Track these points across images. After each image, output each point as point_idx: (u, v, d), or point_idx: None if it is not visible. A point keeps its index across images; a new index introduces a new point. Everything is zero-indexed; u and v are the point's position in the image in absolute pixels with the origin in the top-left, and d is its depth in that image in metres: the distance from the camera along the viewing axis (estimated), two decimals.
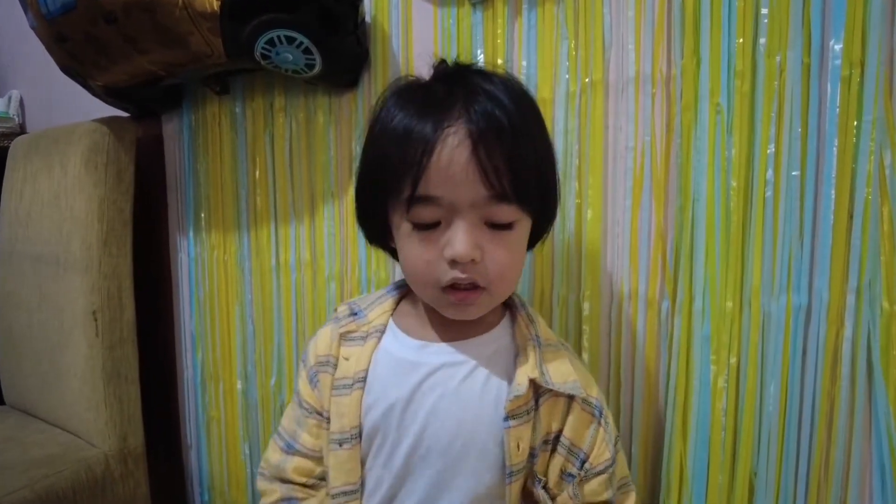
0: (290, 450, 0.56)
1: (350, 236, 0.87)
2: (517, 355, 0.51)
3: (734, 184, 0.60)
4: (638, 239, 0.65)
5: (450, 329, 0.53)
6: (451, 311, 0.50)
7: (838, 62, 0.55)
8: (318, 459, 0.55)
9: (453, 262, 0.46)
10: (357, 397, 0.52)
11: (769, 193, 0.59)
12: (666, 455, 0.65)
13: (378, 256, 0.84)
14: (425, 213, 0.46)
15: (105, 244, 1.00)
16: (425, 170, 0.44)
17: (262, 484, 0.58)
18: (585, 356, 0.68)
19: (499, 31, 0.72)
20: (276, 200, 0.95)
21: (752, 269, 0.60)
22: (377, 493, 0.52)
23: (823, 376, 0.58)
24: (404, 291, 0.59)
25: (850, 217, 0.56)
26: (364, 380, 0.53)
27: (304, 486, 0.56)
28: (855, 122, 0.55)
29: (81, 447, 1.01)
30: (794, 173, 0.58)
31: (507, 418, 0.48)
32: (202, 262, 1.06)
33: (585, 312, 0.68)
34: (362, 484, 0.52)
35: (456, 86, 0.47)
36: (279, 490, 0.55)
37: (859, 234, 0.56)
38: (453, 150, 0.44)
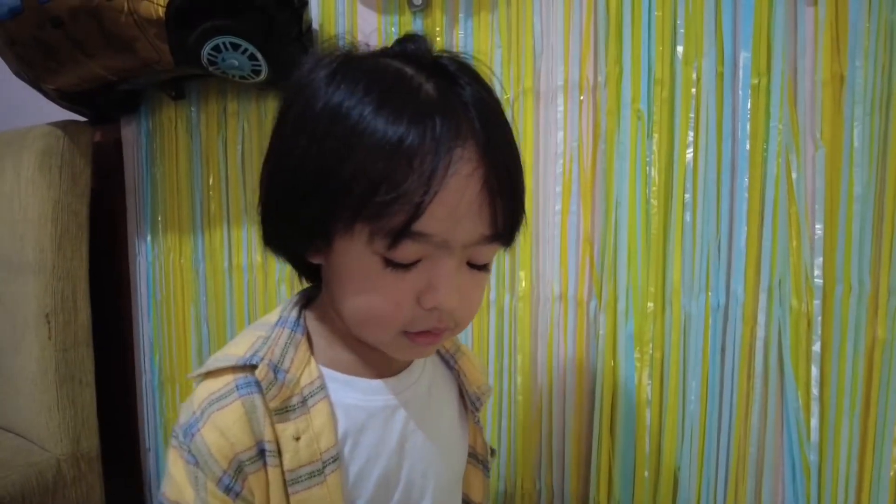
0: None
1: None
2: (449, 367, 0.50)
3: (654, 188, 0.62)
4: (567, 242, 0.67)
5: (385, 363, 0.44)
6: (407, 354, 0.43)
7: (748, 71, 0.58)
8: None
9: (433, 310, 0.38)
10: (335, 482, 0.40)
11: (688, 197, 0.61)
12: (595, 451, 0.67)
13: None
14: (411, 251, 0.36)
15: (59, 247, 1.00)
16: (429, 204, 0.34)
17: None
18: (519, 356, 0.70)
19: (437, 38, 0.74)
20: (228, 204, 0.96)
21: (673, 270, 0.62)
22: None
23: (740, 372, 0.61)
24: (304, 327, 0.43)
25: (762, 218, 0.58)
26: (337, 458, 0.40)
27: None
28: (763, 128, 0.58)
29: (32, 451, 1.00)
30: (710, 177, 0.60)
31: (474, 417, 0.49)
32: (159, 264, 1.06)
33: (519, 314, 0.70)
34: None
35: (453, 88, 0.37)
36: None
37: (770, 234, 0.58)
38: (463, 182, 0.35)
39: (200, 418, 0.38)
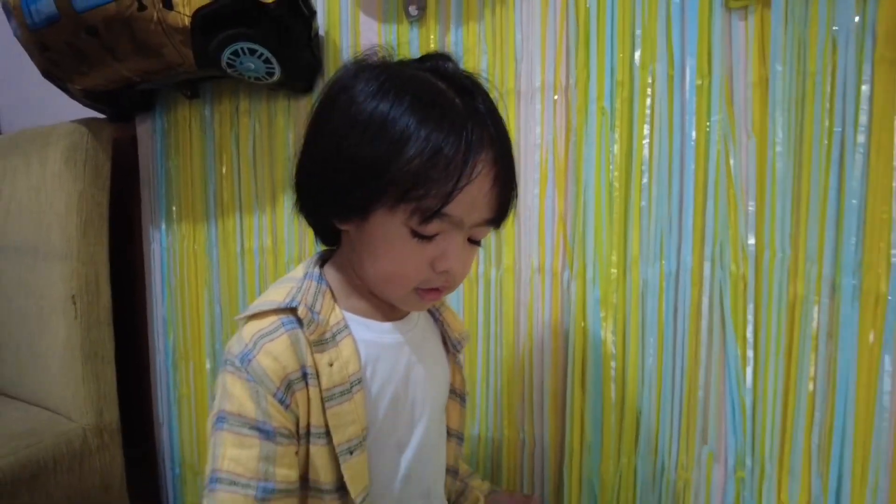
0: (268, 496, 0.46)
1: (307, 223, 0.98)
2: (434, 319, 0.61)
3: (616, 173, 0.73)
4: (544, 221, 0.78)
5: (389, 310, 0.54)
6: (413, 305, 0.53)
7: (693, 74, 0.69)
8: (295, 495, 0.48)
9: (443, 273, 0.49)
10: (360, 399, 0.49)
11: (644, 181, 0.72)
12: (569, 401, 0.78)
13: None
14: (435, 227, 0.46)
15: (84, 234, 1.09)
16: (457, 193, 0.44)
17: None
18: (504, 321, 0.81)
19: (431, 45, 0.84)
20: (240, 193, 1.05)
21: (632, 243, 0.73)
22: (393, 472, 0.53)
23: (689, 329, 0.72)
24: (326, 281, 0.53)
25: (705, 198, 0.70)
26: (360, 380, 0.50)
27: None
28: (706, 122, 0.69)
29: (60, 422, 1.09)
30: (663, 163, 0.71)
31: (455, 359, 0.61)
32: (173, 251, 1.16)
33: (503, 284, 0.81)
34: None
35: (474, 103, 0.47)
36: None
37: (712, 211, 0.69)
38: (481, 179, 0.45)
39: (254, 349, 0.46)
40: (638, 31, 0.72)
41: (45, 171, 1.11)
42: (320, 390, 0.48)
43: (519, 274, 0.81)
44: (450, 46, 0.84)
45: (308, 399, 0.47)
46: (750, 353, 0.69)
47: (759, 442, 0.70)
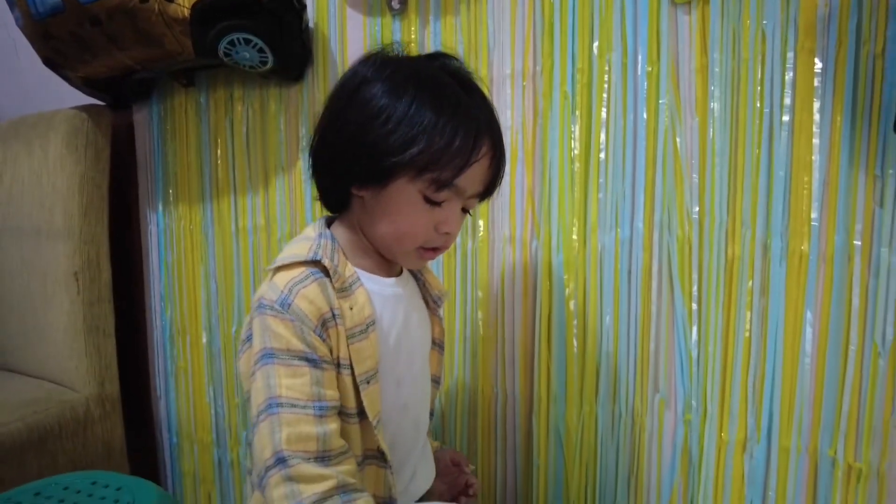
0: (324, 413, 0.53)
1: (298, 202, 1.06)
2: (416, 280, 0.71)
3: (577, 151, 0.82)
4: (514, 196, 0.87)
5: (389, 267, 0.64)
6: (412, 263, 0.64)
7: (644, 62, 0.78)
8: (338, 413, 0.56)
9: (445, 234, 0.59)
10: (374, 339, 0.58)
11: (602, 157, 0.81)
12: (537, 357, 0.87)
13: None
14: (443, 195, 0.57)
15: (85, 215, 1.16)
16: (468, 167, 0.55)
17: (305, 468, 0.51)
18: (478, 287, 0.89)
19: (412, 36, 0.92)
20: (234, 176, 1.12)
21: (591, 213, 0.82)
22: (394, 401, 0.62)
23: (642, 289, 0.81)
24: (336, 240, 0.61)
25: (655, 172, 0.78)
26: (374, 323, 0.58)
27: (342, 453, 0.54)
28: (656, 104, 0.78)
29: (64, 392, 1.16)
30: (618, 142, 0.80)
31: (434, 313, 0.71)
32: (170, 231, 1.23)
33: (479, 254, 0.89)
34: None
35: (476, 97, 0.59)
36: (332, 475, 0.51)
37: (661, 183, 0.78)
38: (484, 158, 0.57)
39: (290, 294, 0.54)
40: (596, 24, 0.80)
41: (48, 155, 1.17)
42: (345, 329, 0.56)
43: (492, 244, 0.89)
44: (429, 37, 0.92)
45: (337, 335, 0.56)
46: (694, 308, 0.78)
47: (703, 387, 0.79)
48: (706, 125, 0.76)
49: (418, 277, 0.70)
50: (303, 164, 1.05)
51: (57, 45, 1.02)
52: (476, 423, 0.92)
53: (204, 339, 1.20)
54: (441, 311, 0.72)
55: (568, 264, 0.83)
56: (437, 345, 0.72)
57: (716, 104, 0.75)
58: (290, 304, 0.54)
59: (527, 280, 0.87)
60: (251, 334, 0.56)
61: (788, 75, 0.72)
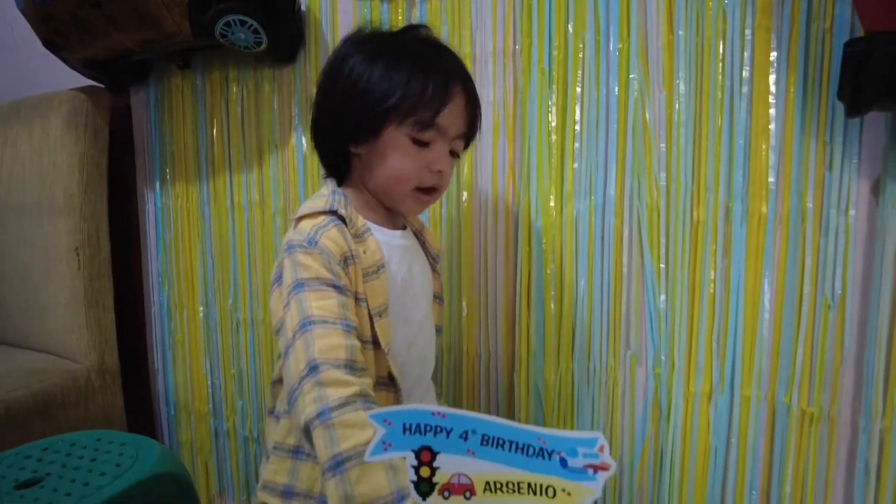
0: (350, 330, 0.60)
1: (291, 178, 1.11)
2: (417, 238, 0.79)
3: (554, 124, 0.87)
4: (496, 167, 0.92)
5: (394, 221, 0.74)
6: (413, 207, 0.72)
7: (615, 39, 0.84)
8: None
9: (437, 173, 0.68)
10: (384, 279, 0.67)
11: (577, 129, 0.87)
12: (518, 317, 0.92)
13: (315, 189, 1.07)
14: (429, 135, 0.66)
15: (85, 192, 1.20)
16: (444, 107, 0.65)
17: (334, 373, 0.55)
18: (463, 253, 0.95)
19: (399, 17, 0.97)
20: (230, 154, 1.17)
21: (567, 182, 0.87)
22: (402, 338, 0.70)
23: (614, 252, 0.87)
24: (347, 197, 0.70)
25: (626, 142, 0.84)
26: (384, 265, 0.67)
27: (364, 369, 0.59)
28: (626, 79, 0.83)
29: (66, 364, 1.20)
30: (591, 115, 0.86)
31: (433, 269, 0.79)
32: (167, 209, 1.27)
33: (463, 223, 0.95)
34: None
35: (444, 54, 0.70)
36: (356, 383, 0.56)
37: (631, 152, 0.84)
38: (457, 99, 0.67)
39: (316, 235, 0.63)
40: (571, 6, 0.86)
41: (48, 134, 1.22)
42: (361, 268, 0.65)
43: (476, 212, 0.95)
44: (415, 19, 0.97)
45: (356, 273, 0.64)
46: (662, 268, 0.84)
47: (671, 343, 0.85)
48: (672, 98, 0.82)
49: (419, 236, 0.79)
50: (295, 142, 1.10)
51: (57, 27, 1.06)
52: (461, 380, 0.98)
53: (201, 312, 1.25)
54: (439, 267, 0.80)
55: (546, 230, 0.89)
56: (438, 297, 0.81)
57: (681, 78, 0.81)
58: (317, 242, 0.62)
59: (508, 246, 0.93)
60: (281, 273, 0.64)
61: (747, 51, 0.77)
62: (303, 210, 0.68)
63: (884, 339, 0.74)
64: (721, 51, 0.79)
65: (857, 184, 0.74)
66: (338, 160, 0.72)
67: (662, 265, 0.84)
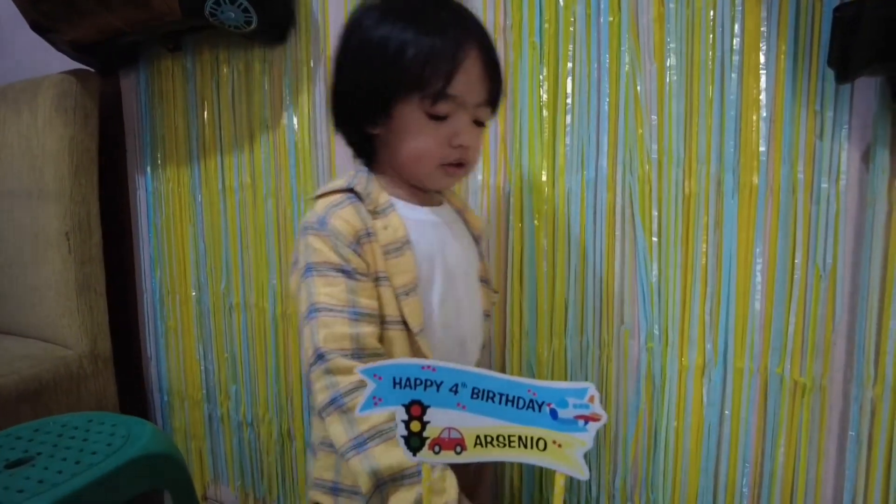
0: (358, 317, 0.59)
1: (282, 159, 1.10)
2: (460, 213, 0.76)
3: (546, 99, 0.87)
4: (489, 144, 0.92)
5: (424, 197, 0.70)
6: (441, 182, 0.68)
7: (606, 13, 0.83)
8: (377, 322, 0.61)
9: (460, 147, 0.63)
10: (409, 256, 0.63)
11: (569, 103, 0.86)
12: (510, 295, 0.92)
13: (306, 170, 1.07)
14: (443, 108, 0.61)
15: (75, 176, 1.19)
16: (455, 74, 0.59)
17: (341, 362, 0.56)
18: None
19: None
20: (221, 136, 1.16)
21: (559, 157, 0.87)
22: (436, 319, 0.66)
23: (606, 226, 0.86)
24: (373, 175, 0.68)
25: (618, 115, 0.84)
26: (409, 242, 0.64)
27: (376, 354, 0.59)
28: (617, 52, 0.83)
29: (58, 350, 1.19)
30: (583, 89, 0.85)
31: (476, 241, 0.76)
32: (159, 193, 1.26)
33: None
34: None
35: (458, 13, 0.63)
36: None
37: (623, 125, 0.84)
38: (471, 63, 0.60)
39: (327, 216, 0.62)
40: None
41: (37, 118, 1.21)
42: (380, 245, 0.62)
43: (468, 190, 0.94)
44: None
45: (373, 251, 0.62)
46: (655, 242, 0.84)
47: (664, 317, 0.85)
48: (664, 70, 0.81)
49: (461, 216, 0.76)
50: (286, 122, 1.09)
51: (45, 7, 1.05)
52: None
53: (193, 296, 1.24)
54: (480, 250, 0.78)
55: (538, 207, 0.89)
56: (483, 281, 0.76)
57: (672, 51, 0.81)
58: (326, 223, 0.61)
59: (500, 222, 0.92)
60: (298, 256, 0.63)
61: (737, 21, 0.77)
62: (321, 189, 0.67)
63: (875, 308, 0.74)
64: (711, 21, 0.79)
65: (848, 152, 0.74)
66: (360, 142, 0.69)
67: (655, 238, 0.84)
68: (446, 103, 0.61)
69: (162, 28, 1.08)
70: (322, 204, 0.64)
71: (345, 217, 0.61)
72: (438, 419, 0.43)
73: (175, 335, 1.29)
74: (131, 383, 1.37)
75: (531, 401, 0.42)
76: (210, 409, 1.27)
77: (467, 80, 0.61)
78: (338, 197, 0.64)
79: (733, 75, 0.78)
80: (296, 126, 1.08)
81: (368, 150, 0.70)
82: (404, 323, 0.63)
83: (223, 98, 1.15)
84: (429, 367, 0.43)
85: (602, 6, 0.84)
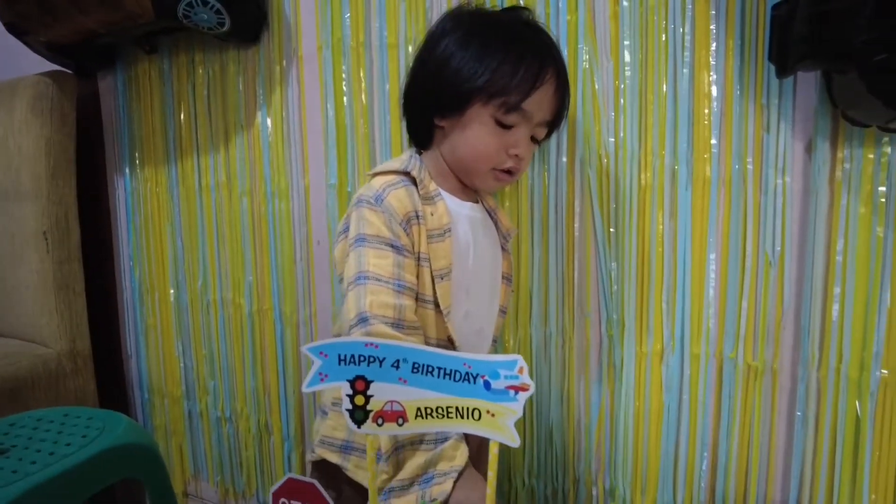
0: (402, 290, 0.62)
1: (256, 158, 1.12)
2: (490, 216, 0.78)
3: None
4: None
5: (465, 193, 0.75)
6: (489, 185, 0.73)
7: (564, 12, 0.86)
8: (414, 297, 0.65)
9: (515, 157, 0.69)
10: (449, 243, 0.68)
11: None
12: None
13: (280, 168, 1.09)
14: (513, 118, 0.67)
15: (53, 176, 1.20)
16: (534, 92, 0.66)
17: (382, 328, 0.60)
18: None
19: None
20: (197, 136, 1.18)
21: None
22: (460, 305, 0.71)
23: (566, 220, 0.89)
24: (424, 163, 0.72)
25: (576, 110, 0.87)
26: (451, 230, 0.69)
27: (414, 328, 0.63)
28: (575, 50, 0.86)
29: (36, 348, 1.21)
30: None
31: (503, 248, 0.79)
32: (137, 193, 1.28)
33: None
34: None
35: (542, 38, 0.70)
36: (403, 338, 0.60)
37: (581, 120, 0.87)
38: (548, 85, 0.68)
39: (383, 193, 0.66)
40: None
41: (13, 119, 1.22)
42: (426, 229, 0.67)
43: None
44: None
45: (419, 233, 0.66)
46: (612, 232, 0.87)
47: (622, 305, 0.88)
48: (619, 67, 0.84)
49: (492, 215, 0.79)
50: (260, 121, 1.11)
51: (20, 9, 1.07)
52: None
53: (172, 294, 1.26)
54: (509, 247, 0.81)
55: (501, 200, 0.91)
56: (506, 278, 0.81)
57: (627, 48, 0.84)
58: (383, 200, 0.65)
59: None
60: (348, 226, 0.68)
61: (688, 20, 0.80)
62: (378, 168, 0.71)
63: (819, 293, 0.77)
64: (663, 21, 0.82)
65: (793, 144, 0.77)
66: (422, 130, 0.74)
67: (612, 229, 0.87)
68: (517, 115, 0.67)
69: (136, 30, 1.10)
70: (379, 181, 0.68)
71: (399, 197, 0.66)
72: (381, 393, 0.45)
73: (154, 332, 1.31)
74: (111, 381, 1.38)
75: (467, 373, 0.44)
76: (189, 405, 1.29)
77: (540, 100, 0.67)
78: (394, 178, 0.68)
79: (685, 71, 0.81)
80: (269, 125, 1.10)
81: (426, 139, 0.74)
82: (436, 303, 0.67)
83: (199, 99, 1.17)
84: (371, 344, 0.45)
85: (561, 5, 0.87)
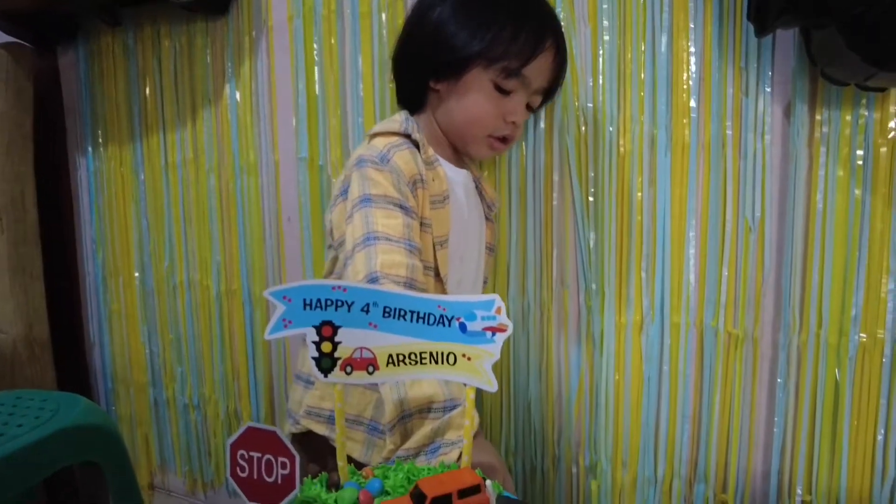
0: (412, 251, 0.60)
1: (224, 133, 1.08)
2: (476, 186, 0.78)
3: None
4: None
5: (458, 160, 0.74)
6: (482, 152, 0.73)
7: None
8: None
9: (511, 124, 0.69)
10: (448, 210, 0.68)
11: None
12: None
13: (249, 143, 1.05)
14: (512, 84, 0.66)
15: (7, 153, 1.15)
16: (534, 58, 0.66)
17: (393, 288, 0.61)
18: None
19: None
20: (163, 112, 1.14)
21: None
22: (455, 273, 0.70)
23: (545, 185, 0.87)
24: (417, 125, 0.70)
25: None
26: (448, 197, 0.68)
27: (424, 290, 0.61)
28: None
29: None
30: None
31: (487, 217, 0.80)
32: (101, 173, 1.23)
33: None
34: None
35: (544, 7, 0.70)
36: None
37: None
38: (548, 52, 0.67)
39: (389, 153, 0.63)
40: None
41: None
42: (428, 194, 0.65)
43: None
44: None
45: (423, 197, 0.65)
46: (591, 201, 0.85)
47: (601, 275, 0.86)
48: (597, 32, 0.83)
49: (477, 184, 0.78)
50: (229, 94, 1.07)
51: None
52: None
53: (137, 277, 1.21)
54: (493, 216, 0.81)
55: (480, 170, 0.89)
56: (489, 248, 0.80)
57: (604, 13, 0.82)
58: (389, 160, 0.63)
59: None
60: (347, 187, 0.64)
61: None
62: (376, 128, 0.69)
63: (798, 259, 0.77)
64: None
65: (771, 107, 0.77)
66: (414, 92, 0.72)
67: (591, 198, 0.85)
68: (516, 80, 0.66)
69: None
70: (381, 142, 0.65)
71: (405, 158, 0.64)
72: (350, 339, 0.42)
73: (119, 318, 1.26)
74: (73, 370, 1.32)
75: (441, 316, 0.42)
76: (155, 393, 1.24)
77: (539, 67, 0.66)
78: (397, 139, 0.66)
79: (664, 36, 0.80)
80: (238, 98, 1.06)
81: (418, 103, 0.72)
82: (436, 271, 0.66)
83: (165, 73, 1.13)
84: (339, 287, 0.42)
85: None
